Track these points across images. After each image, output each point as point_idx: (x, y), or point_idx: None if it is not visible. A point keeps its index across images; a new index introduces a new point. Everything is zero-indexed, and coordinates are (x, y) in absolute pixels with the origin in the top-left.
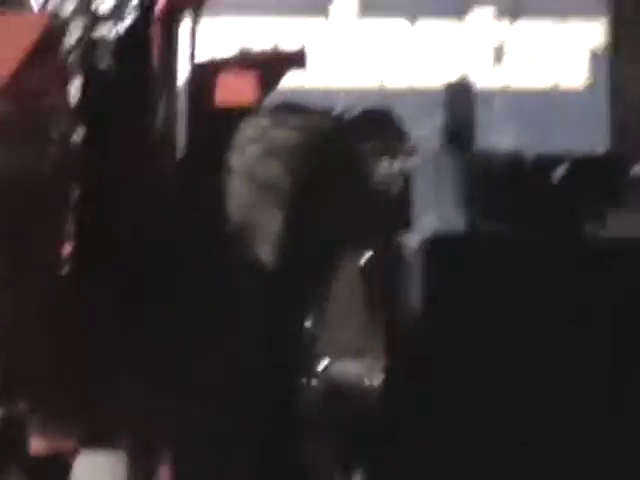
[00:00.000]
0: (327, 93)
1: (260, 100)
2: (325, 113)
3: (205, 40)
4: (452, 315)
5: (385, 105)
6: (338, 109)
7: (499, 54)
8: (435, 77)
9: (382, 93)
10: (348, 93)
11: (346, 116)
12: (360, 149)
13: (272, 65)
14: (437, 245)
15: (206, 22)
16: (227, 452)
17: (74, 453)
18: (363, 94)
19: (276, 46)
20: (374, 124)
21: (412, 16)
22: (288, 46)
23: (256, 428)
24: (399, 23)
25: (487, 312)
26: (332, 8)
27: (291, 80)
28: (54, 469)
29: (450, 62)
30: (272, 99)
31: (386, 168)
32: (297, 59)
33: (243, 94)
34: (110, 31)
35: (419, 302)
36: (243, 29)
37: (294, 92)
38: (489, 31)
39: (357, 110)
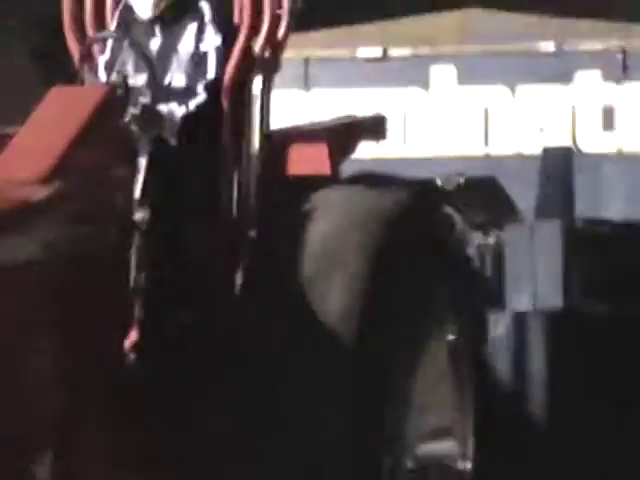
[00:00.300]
0: (427, 162)
1: (334, 170)
2: (412, 184)
3: (300, 113)
4: (548, 392)
5: (489, 173)
6: (438, 178)
7: (608, 117)
8: (538, 143)
9: (485, 161)
10: (450, 161)
11: (447, 185)
12: (445, 222)
13: (346, 135)
14: (530, 323)
15: (300, 94)
16: None
17: None
18: (466, 162)
19: (352, 116)
20: (479, 192)
21: (510, 82)
22: (366, 116)
23: None
24: (497, 91)
25: (587, 391)
26: (432, 77)
27: (393, 149)
28: None
29: (554, 128)
30: (358, 168)
31: (480, 240)
32: (375, 129)
33: (316, 163)
34: (180, 106)
35: (511, 380)
36: (341, 101)
37: (393, 162)
38: (596, 94)
39: (459, 178)
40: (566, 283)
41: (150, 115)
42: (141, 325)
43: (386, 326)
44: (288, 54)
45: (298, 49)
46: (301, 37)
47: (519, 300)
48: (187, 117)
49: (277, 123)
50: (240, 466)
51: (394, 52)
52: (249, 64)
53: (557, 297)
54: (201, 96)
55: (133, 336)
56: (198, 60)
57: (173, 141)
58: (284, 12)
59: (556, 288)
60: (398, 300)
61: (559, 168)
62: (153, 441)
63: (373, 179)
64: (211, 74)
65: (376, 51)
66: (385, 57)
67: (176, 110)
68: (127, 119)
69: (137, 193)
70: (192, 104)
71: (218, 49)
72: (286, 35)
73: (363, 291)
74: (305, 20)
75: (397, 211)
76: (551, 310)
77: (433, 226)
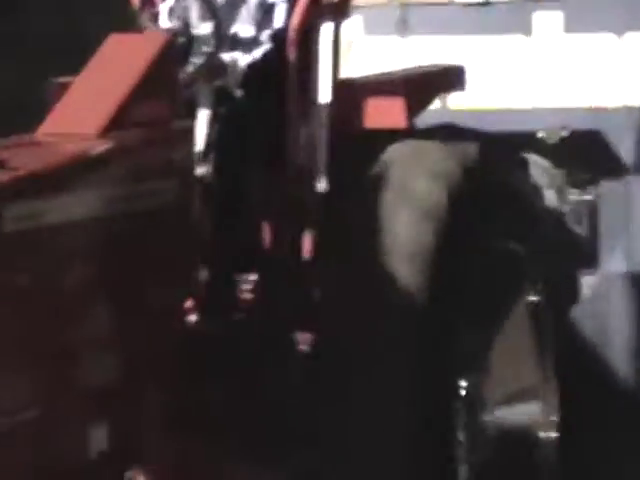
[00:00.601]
0: (529, 113)
1: (409, 123)
2: (490, 139)
3: (396, 60)
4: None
5: (594, 126)
6: (540, 131)
7: None
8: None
9: (589, 113)
10: (553, 113)
11: (549, 139)
12: (528, 177)
13: (423, 86)
14: (621, 285)
15: (396, 41)
16: None
17: None
18: (569, 114)
19: (430, 66)
20: (583, 147)
21: (619, 30)
22: (444, 65)
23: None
24: (605, 39)
25: None
26: (535, 24)
27: (493, 100)
28: None
29: None
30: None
31: (578, 196)
32: (453, 79)
33: (392, 116)
34: (245, 56)
35: (596, 345)
36: (439, 48)
37: (493, 113)
38: None
39: (563, 132)
40: None
41: (214, 64)
42: (204, 284)
43: (459, 284)
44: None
45: None
46: None
47: (611, 260)
48: (252, 67)
49: (371, 70)
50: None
51: None
52: (317, 10)
53: None
54: (267, 45)
55: (196, 295)
56: (267, 9)
57: (237, 91)
58: None
59: None
60: (471, 258)
61: None
62: (215, 408)
63: (450, 131)
64: (278, 23)
65: None
66: (486, 2)
67: (240, 59)
68: (189, 69)
69: (199, 146)
70: (257, 53)
71: None
72: None
73: (435, 245)
74: None
75: (469, 164)
76: None
77: (511, 181)
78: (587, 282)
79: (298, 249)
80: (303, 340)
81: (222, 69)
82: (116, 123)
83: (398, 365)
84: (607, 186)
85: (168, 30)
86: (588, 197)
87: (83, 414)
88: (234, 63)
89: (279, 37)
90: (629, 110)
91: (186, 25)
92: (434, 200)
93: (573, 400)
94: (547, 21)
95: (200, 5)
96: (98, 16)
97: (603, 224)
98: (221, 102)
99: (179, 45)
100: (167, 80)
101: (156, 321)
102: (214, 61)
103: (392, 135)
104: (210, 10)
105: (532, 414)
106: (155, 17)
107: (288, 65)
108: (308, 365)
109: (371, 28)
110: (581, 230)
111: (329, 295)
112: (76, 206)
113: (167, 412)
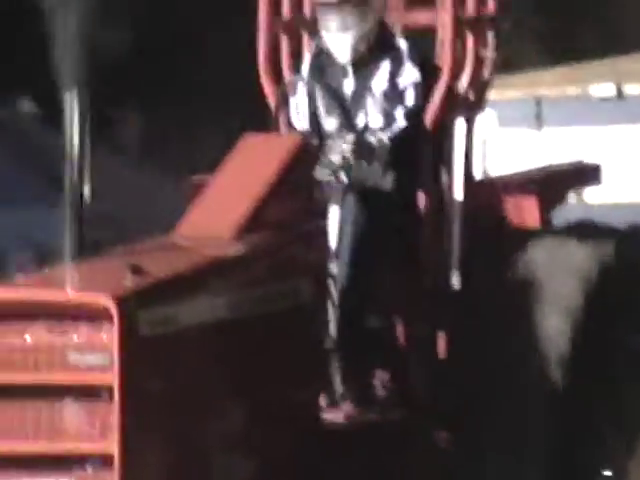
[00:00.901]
0: None
1: (544, 221)
2: (626, 232)
3: (532, 151)
4: None
5: None
6: None
7: None
8: None
9: None
10: None
11: None
12: None
13: (558, 184)
14: None
15: (532, 134)
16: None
17: None
18: None
19: (566, 163)
20: None
21: None
22: (579, 163)
23: None
24: None
25: None
26: None
27: (626, 194)
28: None
29: None
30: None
31: None
32: (591, 176)
33: (527, 215)
34: (383, 134)
35: None
36: (574, 140)
37: (630, 206)
38: None
39: None
40: None
41: (363, 143)
42: (339, 382)
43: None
44: (519, 94)
45: (529, 88)
46: (532, 76)
47: None
48: (392, 140)
49: (510, 161)
50: None
51: (628, 89)
52: (452, 104)
53: None
54: (402, 122)
55: (329, 394)
56: (394, 96)
57: (378, 168)
58: (488, 53)
59: None
60: (612, 352)
61: None
62: None
63: (587, 227)
64: (410, 102)
65: (610, 88)
66: (620, 95)
67: (384, 137)
68: (319, 167)
69: (331, 245)
70: (393, 130)
71: (417, 84)
72: (491, 76)
73: (579, 342)
74: (536, 59)
75: (607, 260)
76: None
77: None
78: None
79: (432, 347)
80: (438, 437)
81: (370, 148)
82: (252, 225)
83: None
84: None
85: (299, 128)
86: None
87: None
88: (380, 141)
89: (413, 118)
90: None
91: (317, 122)
92: (575, 299)
93: None
94: None
95: (327, 100)
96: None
97: None
98: (361, 189)
99: (310, 144)
100: (302, 180)
101: (293, 417)
102: (362, 141)
103: (527, 233)
104: (338, 104)
105: None
106: (287, 113)
107: (422, 151)
108: (445, 461)
109: (506, 121)
110: None
111: (465, 392)
112: (211, 309)
113: None
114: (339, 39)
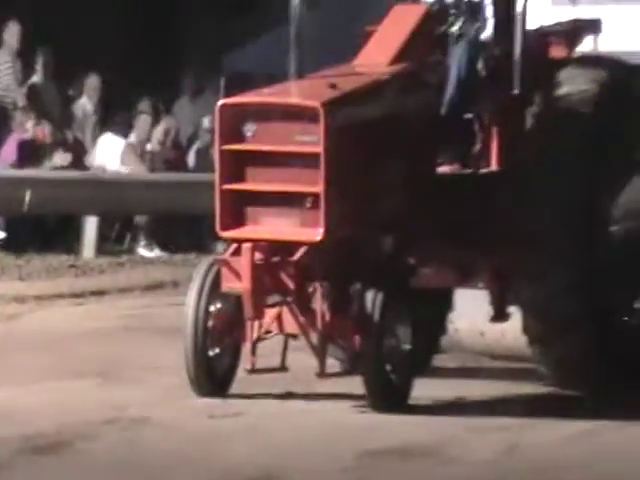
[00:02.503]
0: None
1: (569, 54)
2: (620, 65)
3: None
4: None
5: None
6: None
7: None
8: None
9: None
10: None
11: None
12: None
13: (576, 31)
14: None
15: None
16: None
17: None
18: None
19: (579, 19)
20: None
21: None
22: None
23: None
24: None
25: None
26: None
27: (626, 44)
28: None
29: None
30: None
31: None
32: (594, 27)
33: (558, 50)
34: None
35: None
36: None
37: (629, 53)
38: None
39: None
40: None
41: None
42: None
43: (608, 156)
44: None
45: None
46: None
47: None
48: (480, 16)
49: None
50: None
51: None
52: None
53: None
54: (485, 5)
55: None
56: None
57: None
58: None
59: None
60: (616, 137)
61: None
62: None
63: (595, 59)
64: None
65: None
66: None
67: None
68: (442, 25)
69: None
70: (481, 11)
71: None
72: None
73: (590, 131)
74: None
75: (611, 80)
76: None
77: (637, 91)
78: None
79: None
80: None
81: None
82: (399, 57)
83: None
84: None
85: (427, 1)
86: None
87: None
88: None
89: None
90: None
91: None
92: (594, 91)
93: None
94: None
95: None
96: None
97: None
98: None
99: (436, 10)
100: (428, 32)
101: (425, 168)
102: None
103: (562, 61)
104: None
105: None
106: None
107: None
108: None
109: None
110: None
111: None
112: (376, 109)
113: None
114: None
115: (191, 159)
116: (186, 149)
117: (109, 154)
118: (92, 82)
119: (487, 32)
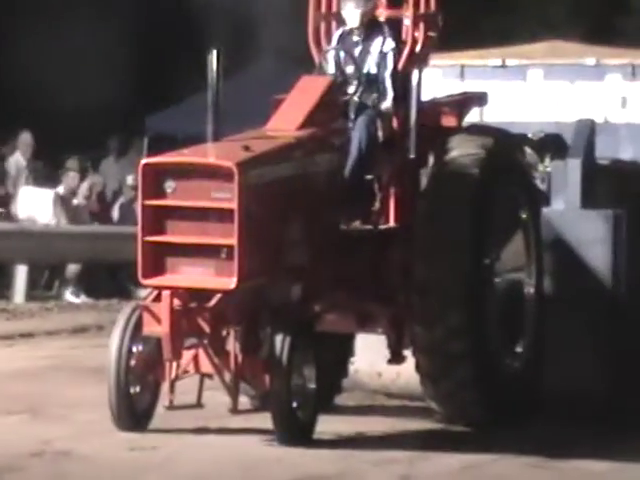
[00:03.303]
0: (526, 124)
1: (459, 123)
2: (503, 134)
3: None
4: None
5: (558, 132)
6: (530, 133)
7: (624, 102)
8: (580, 116)
9: (556, 125)
10: (539, 124)
11: (534, 137)
12: (522, 158)
13: (465, 102)
14: (560, 216)
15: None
16: None
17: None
18: (546, 125)
19: (468, 92)
20: (550, 142)
21: (572, 80)
22: (475, 92)
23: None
24: (564, 85)
25: None
26: (528, 75)
27: (506, 115)
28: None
29: (594, 107)
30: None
31: (543, 168)
32: (481, 100)
33: (449, 119)
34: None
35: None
36: (481, 86)
37: (509, 124)
38: (617, 88)
39: (541, 134)
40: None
41: (358, 92)
42: (350, 209)
43: (492, 213)
44: (450, 62)
45: (457, 59)
46: (459, 53)
47: (557, 202)
48: (378, 88)
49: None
50: None
51: (509, 62)
52: (412, 63)
53: (579, 202)
54: (382, 79)
55: (346, 212)
56: (382, 57)
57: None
58: (432, 33)
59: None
60: (500, 196)
61: (587, 129)
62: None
63: (481, 128)
64: (391, 65)
65: (498, 61)
66: (504, 65)
67: (376, 84)
68: (345, 95)
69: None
70: (378, 84)
71: (394, 49)
72: (433, 48)
73: (477, 190)
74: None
75: (495, 147)
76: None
77: (516, 157)
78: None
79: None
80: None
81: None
82: (305, 124)
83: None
84: (557, 163)
85: (332, 73)
86: (549, 169)
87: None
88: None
89: (390, 72)
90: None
91: (341, 69)
92: (481, 156)
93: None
94: (535, 75)
95: (346, 56)
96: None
97: (554, 183)
98: (363, 110)
99: (338, 81)
100: (332, 101)
101: (327, 227)
102: (357, 89)
103: (450, 129)
104: (352, 59)
105: (522, 277)
106: (325, 65)
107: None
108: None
109: (446, 77)
110: (544, 186)
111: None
112: (284, 169)
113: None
114: (352, 12)
115: (115, 212)
116: (111, 203)
117: (37, 206)
118: (25, 138)
119: (386, 102)
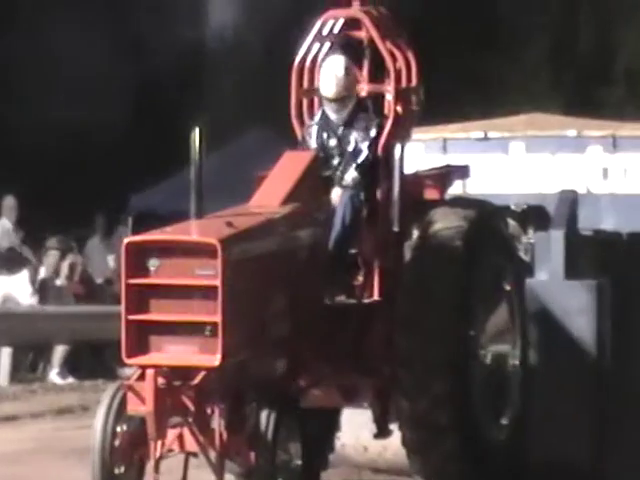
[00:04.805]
0: (509, 196)
1: (442, 196)
2: (486, 206)
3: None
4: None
5: (540, 203)
6: (512, 204)
7: (605, 173)
8: (562, 187)
9: (538, 196)
10: (522, 196)
11: (516, 208)
12: (505, 230)
13: (447, 175)
14: (543, 286)
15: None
16: None
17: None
18: (528, 196)
19: (450, 165)
20: (533, 213)
21: (553, 152)
22: (457, 164)
23: None
24: (545, 157)
25: None
26: (510, 148)
27: (489, 187)
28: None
29: (576, 178)
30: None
31: (526, 239)
32: (463, 173)
33: (432, 192)
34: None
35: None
36: (464, 160)
37: (491, 196)
38: (598, 159)
39: (523, 205)
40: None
41: (340, 167)
42: (332, 280)
43: (476, 284)
44: (432, 135)
45: (439, 132)
46: (441, 127)
47: (541, 273)
48: (360, 166)
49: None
50: None
51: (491, 134)
52: (394, 137)
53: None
54: (365, 153)
55: (330, 285)
56: (365, 135)
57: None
58: (414, 107)
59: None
60: (484, 268)
61: (569, 200)
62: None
63: (464, 200)
64: (371, 143)
65: (480, 134)
66: (486, 137)
67: (359, 159)
68: (328, 170)
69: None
70: (361, 158)
71: (378, 126)
72: (415, 122)
73: (461, 263)
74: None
75: (478, 219)
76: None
77: (500, 229)
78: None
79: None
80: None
81: (345, 167)
82: (287, 199)
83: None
84: (540, 234)
85: (314, 148)
86: (532, 240)
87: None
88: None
89: (372, 149)
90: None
91: (323, 145)
92: (464, 228)
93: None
94: (516, 147)
95: (328, 132)
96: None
97: (537, 254)
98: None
99: (320, 156)
100: (315, 176)
101: (311, 300)
102: (340, 163)
103: (434, 203)
104: (334, 134)
105: (506, 349)
106: (309, 140)
107: (379, 164)
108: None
109: (428, 150)
110: (527, 257)
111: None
112: (268, 244)
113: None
114: (331, 113)
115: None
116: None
117: (19, 288)
118: (9, 202)
119: (350, 172)
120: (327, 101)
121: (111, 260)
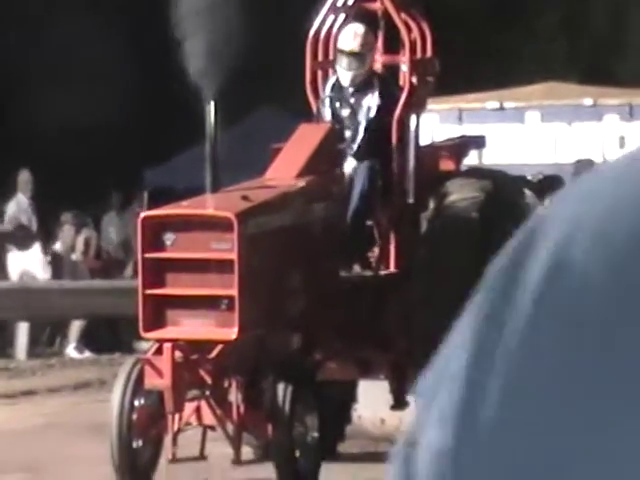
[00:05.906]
0: (525, 166)
1: (458, 167)
2: (502, 176)
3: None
4: None
5: (557, 173)
6: (529, 174)
7: (622, 142)
8: (578, 156)
9: (555, 166)
10: (538, 166)
11: (533, 179)
12: (521, 201)
13: (462, 146)
14: None
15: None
16: None
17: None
18: (545, 166)
19: (466, 135)
20: (549, 183)
21: (569, 122)
22: (473, 135)
23: None
24: (562, 126)
25: None
26: (526, 117)
27: (505, 158)
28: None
29: (592, 147)
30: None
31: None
32: (479, 143)
33: (448, 163)
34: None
35: None
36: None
37: (507, 166)
38: (615, 128)
39: (540, 175)
40: None
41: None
42: (349, 252)
43: (492, 256)
44: (447, 105)
45: (454, 103)
46: (457, 97)
47: None
48: (369, 127)
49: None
50: None
51: (506, 104)
52: (409, 108)
53: None
54: (373, 118)
55: (346, 258)
56: (378, 100)
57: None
58: (429, 78)
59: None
60: (500, 239)
61: (586, 170)
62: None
63: (480, 171)
64: (372, 114)
65: (496, 104)
66: (501, 107)
67: (362, 131)
68: (343, 142)
69: (347, 184)
70: (370, 123)
71: (391, 95)
72: (431, 92)
73: (477, 234)
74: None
75: (494, 190)
76: None
77: (516, 199)
78: None
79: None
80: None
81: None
82: (303, 172)
83: None
84: None
85: (329, 120)
86: None
87: None
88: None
89: (373, 121)
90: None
91: (338, 116)
92: (480, 199)
93: None
94: (532, 116)
95: (341, 101)
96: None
97: None
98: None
99: (335, 128)
100: (330, 148)
101: (325, 275)
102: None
103: (449, 173)
104: (347, 103)
105: None
106: (323, 112)
107: (394, 135)
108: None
109: (443, 121)
110: None
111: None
112: (283, 218)
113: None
114: (345, 74)
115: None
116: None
117: (33, 263)
118: (24, 177)
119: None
120: (344, 56)
121: (113, 233)
